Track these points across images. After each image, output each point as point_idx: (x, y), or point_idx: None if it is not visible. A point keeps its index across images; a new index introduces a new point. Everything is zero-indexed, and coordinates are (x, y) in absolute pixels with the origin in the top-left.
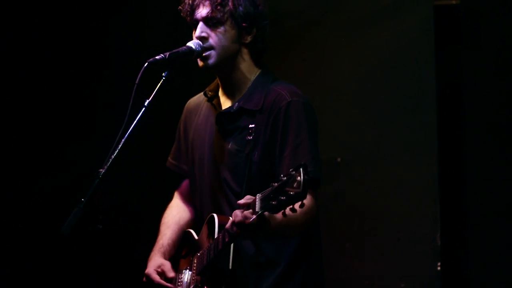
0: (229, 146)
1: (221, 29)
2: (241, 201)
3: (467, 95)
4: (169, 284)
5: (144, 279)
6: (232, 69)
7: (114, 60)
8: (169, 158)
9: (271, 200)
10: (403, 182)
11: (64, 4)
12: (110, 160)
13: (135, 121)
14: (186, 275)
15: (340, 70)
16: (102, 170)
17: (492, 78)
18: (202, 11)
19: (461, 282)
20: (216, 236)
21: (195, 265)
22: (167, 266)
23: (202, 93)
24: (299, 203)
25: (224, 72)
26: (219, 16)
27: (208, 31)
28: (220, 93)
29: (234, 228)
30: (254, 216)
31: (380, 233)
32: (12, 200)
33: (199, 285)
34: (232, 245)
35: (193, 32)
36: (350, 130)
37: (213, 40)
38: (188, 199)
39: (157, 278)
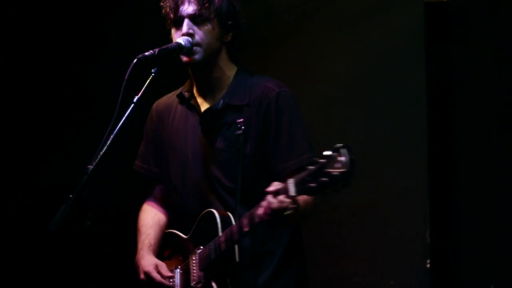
0: (217, 144)
1: (208, 26)
2: (270, 188)
3: (458, 92)
4: (169, 283)
5: (142, 276)
6: (213, 66)
7: (106, 57)
8: (137, 161)
9: (309, 182)
10: (393, 179)
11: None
12: (99, 156)
13: (123, 118)
14: (177, 275)
15: (331, 67)
16: (91, 167)
17: (483, 75)
18: (189, 8)
19: (450, 279)
20: (220, 230)
21: (194, 262)
22: (163, 266)
23: (170, 94)
24: (342, 183)
25: (205, 69)
26: (206, 13)
27: (195, 28)
28: (196, 93)
29: (266, 215)
30: (290, 200)
31: (369, 230)
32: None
33: (203, 280)
34: None
35: (173, 30)
36: (340, 127)
37: (199, 37)
38: (161, 202)
39: (158, 276)
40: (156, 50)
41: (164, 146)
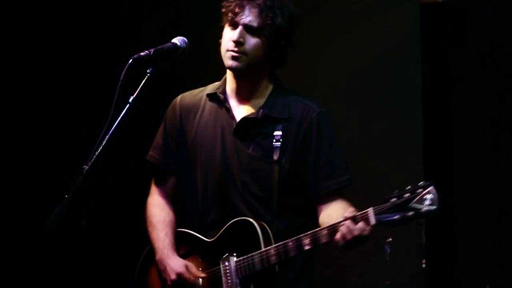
0: (250, 150)
1: (260, 39)
2: (347, 214)
3: (453, 93)
4: (200, 284)
5: (173, 277)
6: (254, 76)
7: (101, 57)
8: (152, 152)
9: (392, 214)
10: (389, 179)
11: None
12: (94, 156)
13: (119, 118)
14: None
15: (326, 67)
16: (86, 167)
17: (478, 76)
18: (247, 18)
19: (446, 279)
20: (262, 242)
21: (228, 269)
22: (193, 266)
23: (196, 91)
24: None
25: (246, 77)
26: (262, 28)
27: (246, 36)
28: (231, 96)
29: (339, 237)
30: (371, 228)
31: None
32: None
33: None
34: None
35: (227, 27)
36: (336, 126)
37: (248, 46)
38: (171, 198)
39: (191, 278)
40: (152, 50)
41: (188, 143)
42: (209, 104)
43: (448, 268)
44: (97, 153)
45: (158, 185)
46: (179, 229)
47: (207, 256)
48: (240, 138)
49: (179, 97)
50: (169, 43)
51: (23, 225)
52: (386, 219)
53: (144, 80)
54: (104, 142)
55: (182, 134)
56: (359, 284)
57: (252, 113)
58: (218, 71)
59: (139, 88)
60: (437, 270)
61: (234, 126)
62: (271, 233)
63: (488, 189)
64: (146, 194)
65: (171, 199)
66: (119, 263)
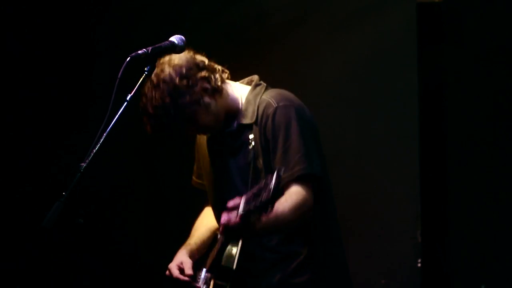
0: (239, 162)
1: (191, 117)
2: (230, 203)
3: (449, 93)
4: (186, 278)
5: (167, 272)
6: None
7: (98, 55)
8: (194, 177)
9: (252, 202)
10: (384, 179)
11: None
12: (92, 154)
13: (116, 116)
14: (203, 273)
15: (322, 68)
16: (84, 164)
17: (475, 76)
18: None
19: (442, 278)
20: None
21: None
22: (187, 264)
23: None
24: (270, 208)
25: None
26: (176, 122)
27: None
28: None
29: (221, 231)
30: (237, 219)
31: (360, 229)
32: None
33: (208, 281)
34: (238, 246)
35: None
36: (330, 127)
37: (201, 124)
38: None
39: (175, 273)
40: (150, 48)
41: (201, 163)
42: None
43: (444, 268)
44: (94, 150)
45: (206, 201)
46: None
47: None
48: (230, 154)
49: None
50: (167, 41)
51: (20, 222)
52: (248, 209)
53: (141, 78)
54: (101, 140)
55: (199, 156)
56: (354, 283)
57: (228, 128)
58: None
59: (136, 86)
60: (433, 270)
61: (214, 147)
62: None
63: (484, 189)
64: (145, 192)
65: None
66: (117, 261)
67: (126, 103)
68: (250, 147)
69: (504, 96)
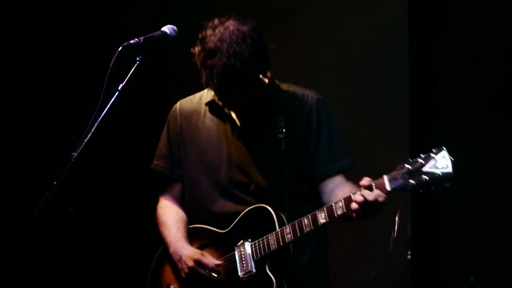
0: (259, 148)
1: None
2: (363, 182)
3: (440, 84)
4: (218, 269)
5: (192, 264)
6: None
7: (90, 45)
8: (157, 161)
9: (406, 180)
10: (375, 171)
11: None
12: (83, 144)
13: (108, 106)
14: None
15: (314, 58)
16: (75, 154)
17: (466, 68)
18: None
19: (431, 271)
20: (277, 223)
21: (243, 253)
22: (208, 255)
23: (195, 98)
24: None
25: None
26: (248, 89)
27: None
28: None
29: (356, 207)
30: (385, 195)
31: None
32: None
33: (253, 270)
34: None
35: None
36: None
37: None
38: (180, 202)
39: (210, 263)
40: (141, 38)
41: (191, 149)
42: (210, 111)
43: (433, 260)
44: (86, 140)
45: (165, 192)
46: (191, 226)
47: (221, 246)
48: (245, 139)
49: (178, 104)
50: (159, 32)
51: (12, 212)
52: (401, 184)
53: (133, 68)
54: (93, 130)
55: (184, 141)
56: (345, 274)
57: (252, 113)
58: None
59: (128, 76)
60: (422, 262)
61: (237, 129)
62: (286, 218)
63: (474, 181)
64: (135, 180)
65: (180, 201)
66: (110, 252)
67: (117, 92)
68: (281, 135)
69: (494, 86)
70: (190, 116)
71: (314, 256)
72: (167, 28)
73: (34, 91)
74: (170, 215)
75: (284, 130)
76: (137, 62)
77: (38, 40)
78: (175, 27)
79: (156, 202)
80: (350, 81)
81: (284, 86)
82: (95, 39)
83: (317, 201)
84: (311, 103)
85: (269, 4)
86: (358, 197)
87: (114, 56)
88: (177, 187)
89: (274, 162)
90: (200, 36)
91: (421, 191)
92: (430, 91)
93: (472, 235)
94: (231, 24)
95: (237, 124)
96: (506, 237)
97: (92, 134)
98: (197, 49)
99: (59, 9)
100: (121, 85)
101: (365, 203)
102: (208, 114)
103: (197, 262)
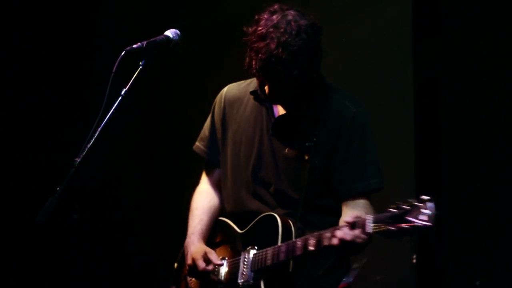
0: (286, 151)
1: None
2: (347, 219)
3: (445, 86)
4: (214, 272)
5: (189, 262)
6: None
7: (94, 49)
8: (198, 143)
9: (388, 225)
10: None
11: None
12: (86, 149)
13: (111, 110)
14: (224, 266)
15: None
16: (78, 159)
17: (470, 69)
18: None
19: (436, 275)
20: (280, 238)
21: (246, 261)
22: (214, 255)
23: (242, 84)
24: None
25: None
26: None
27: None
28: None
29: (336, 242)
30: (366, 237)
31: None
32: None
33: (251, 281)
34: None
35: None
36: None
37: (285, 92)
38: (218, 188)
39: (202, 265)
40: (144, 42)
41: (229, 137)
42: (252, 100)
43: (439, 264)
44: (89, 145)
45: (206, 175)
46: (220, 218)
47: (235, 247)
48: (277, 138)
49: (225, 89)
50: (162, 36)
51: (15, 218)
52: (383, 230)
53: (136, 72)
54: (96, 135)
55: (224, 127)
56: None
57: (289, 112)
58: (210, 59)
59: (131, 81)
60: (428, 266)
61: (272, 125)
62: (294, 231)
63: (479, 185)
64: (139, 185)
65: (218, 187)
66: (114, 257)
67: (120, 97)
68: (310, 143)
69: (499, 88)
70: (234, 102)
71: (332, 269)
72: (170, 33)
73: (36, 96)
74: (202, 202)
75: (314, 139)
76: (140, 67)
77: (40, 44)
78: (178, 32)
79: (160, 205)
80: (355, 83)
81: (330, 90)
82: (98, 43)
83: (339, 216)
84: (347, 115)
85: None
86: (338, 233)
87: (117, 61)
88: (217, 172)
89: (297, 170)
90: (256, 17)
91: (401, 238)
92: (435, 93)
93: (478, 239)
94: (290, 14)
95: (273, 120)
96: None
97: (95, 139)
98: (250, 29)
99: (62, 12)
100: (124, 89)
101: (343, 241)
102: (250, 104)
103: (193, 261)
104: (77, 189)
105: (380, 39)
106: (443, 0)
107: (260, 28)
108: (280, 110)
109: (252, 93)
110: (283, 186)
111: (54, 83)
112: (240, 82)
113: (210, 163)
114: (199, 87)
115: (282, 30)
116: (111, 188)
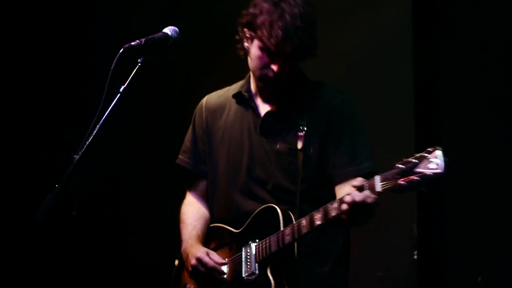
0: (278, 146)
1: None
2: (354, 183)
3: (445, 87)
4: (221, 269)
5: (194, 262)
6: None
7: (92, 47)
8: (181, 156)
9: (398, 180)
10: (380, 172)
11: None
12: (85, 146)
13: (109, 108)
14: (225, 266)
15: (318, 61)
16: (77, 156)
17: (470, 71)
18: (289, 48)
19: (437, 271)
20: (282, 224)
21: (249, 254)
22: (214, 254)
23: (222, 92)
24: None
25: None
26: (300, 56)
27: (286, 65)
28: (256, 93)
29: (346, 207)
30: (376, 196)
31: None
32: None
33: (257, 272)
34: None
35: (258, 51)
36: None
37: (287, 71)
38: (204, 198)
39: (211, 261)
40: (143, 40)
41: (215, 144)
42: (235, 104)
43: (440, 260)
44: (87, 143)
45: (191, 188)
46: (211, 225)
47: (234, 246)
48: (267, 135)
49: (204, 99)
50: (160, 33)
51: (13, 216)
52: (392, 186)
53: (135, 70)
54: (94, 132)
55: (209, 136)
56: (350, 275)
57: (276, 108)
58: (208, 58)
59: (130, 78)
60: (429, 262)
61: (259, 123)
62: (294, 219)
63: (480, 181)
64: (138, 183)
65: (204, 198)
66: (113, 255)
67: (119, 94)
68: (302, 133)
69: (498, 88)
70: (215, 111)
71: (336, 265)
72: (168, 30)
73: (35, 92)
74: (191, 212)
75: (305, 129)
76: (139, 64)
77: (39, 41)
78: (176, 29)
79: (159, 204)
80: (354, 83)
81: (312, 83)
82: (97, 40)
83: None
84: (335, 102)
85: None
86: (347, 197)
87: (116, 58)
88: (202, 183)
89: (292, 161)
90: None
91: (414, 190)
92: (434, 93)
93: (479, 235)
94: None
95: (260, 118)
96: None
97: (94, 136)
98: (251, 10)
99: (60, 10)
100: (122, 87)
101: (353, 205)
102: (234, 109)
103: (199, 260)
104: (76, 186)
105: (380, 39)
106: (443, 0)
107: (266, 5)
108: (265, 108)
109: (234, 96)
110: (280, 181)
111: (54, 82)
112: (218, 91)
113: (194, 175)
114: (199, 87)
115: (291, 2)
116: (110, 187)
